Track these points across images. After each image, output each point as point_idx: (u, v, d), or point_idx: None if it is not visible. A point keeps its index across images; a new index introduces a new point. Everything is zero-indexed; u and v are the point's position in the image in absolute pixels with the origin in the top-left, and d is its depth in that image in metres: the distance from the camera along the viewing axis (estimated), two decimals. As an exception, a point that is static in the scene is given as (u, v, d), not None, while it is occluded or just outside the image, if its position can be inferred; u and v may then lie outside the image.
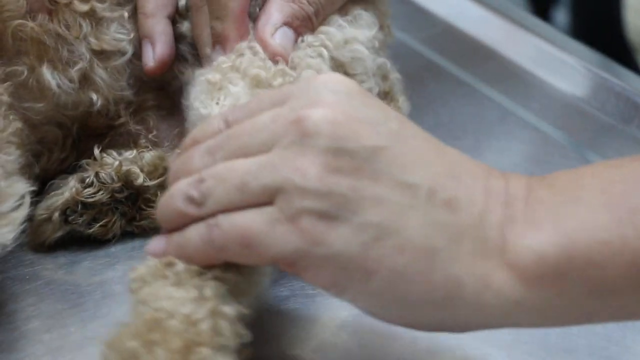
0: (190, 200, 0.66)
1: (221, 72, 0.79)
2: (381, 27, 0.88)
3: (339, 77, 0.68)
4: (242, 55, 0.80)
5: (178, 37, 0.87)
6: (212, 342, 0.63)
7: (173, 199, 0.67)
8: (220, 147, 0.67)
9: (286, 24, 0.81)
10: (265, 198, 0.64)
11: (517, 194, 0.65)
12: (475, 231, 0.63)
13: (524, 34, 1.13)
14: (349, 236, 0.62)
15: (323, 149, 0.63)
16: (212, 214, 0.65)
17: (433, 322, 0.65)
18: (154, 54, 0.85)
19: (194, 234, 0.66)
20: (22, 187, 0.75)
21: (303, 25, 0.82)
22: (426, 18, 1.20)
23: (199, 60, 0.86)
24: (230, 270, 0.67)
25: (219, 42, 0.82)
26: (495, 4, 1.18)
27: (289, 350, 0.74)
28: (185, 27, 0.87)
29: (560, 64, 1.09)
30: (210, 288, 0.65)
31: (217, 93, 0.78)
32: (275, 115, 0.66)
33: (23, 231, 0.75)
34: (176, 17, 0.87)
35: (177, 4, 0.87)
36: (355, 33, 0.83)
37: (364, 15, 0.85)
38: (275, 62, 0.80)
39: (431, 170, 0.64)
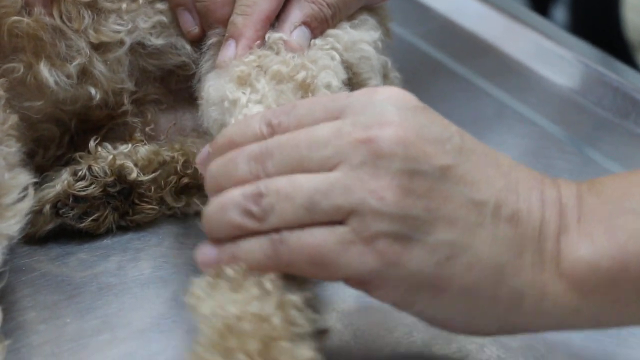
0: (249, 214, 0.65)
1: (249, 67, 0.79)
2: (382, 30, 0.89)
3: (399, 92, 0.68)
4: (265, 54, 0.80)
5: None
6: (288, 334, 0.63)
7: (227, 210, 0.66)
8: (271, 155, 0.66)
9: (305, 23, 0.81)
10: (336, 217, 0.64)
11: (569, 203, 0.66)
12: (535, 243, 0.65)
13: (522, 29, 1.13)
14: (423, 256, 0.63)
15: (397, 171, 0.63)
16: (275, 230, 0.65)
17: (494, 329, 0.67)
18: (196, 19, 0.85)
19: (255, 247, 0.65)
20: (25, 178, 0.75)
21: (320, 27, 0.82)
22: (424, 13, 1.21)
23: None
24: None
25: (234, 37, 0.81)
26: (493, -1, 1.19)
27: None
28: None
29: (557, 59, 1.09)
30: (269, 281, 0.65)
31: (243, 87, 0.78)
32: (337, 131, 0.65)
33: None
34: None
35: None
36: (361, 35, 0.84)
37: (369, 20, 0.86)
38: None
39: (494, 186, 0.65)
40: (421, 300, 0.64)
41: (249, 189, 0.66)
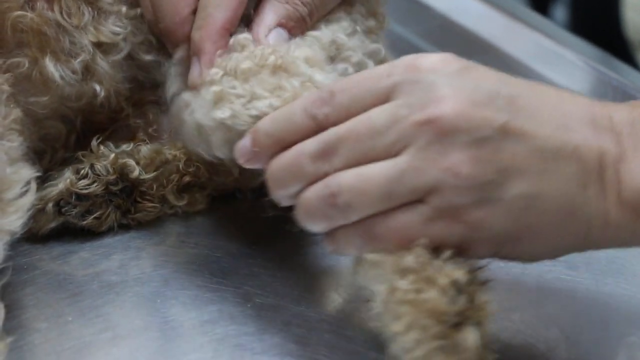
0: (331, 217, 0.69)
1: (218, 82, 0.78)
2: (374, 15, 0.89)
3: (439, 59, 0.69)
4: (226, 58, 0.79)
5: None
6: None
7: (313, 215, 0.70)
8: (335, 151, 0.69)
9: (280, 25, 0.81)
10: (414, 198, 0.67)
11: (624, 131, 0.69)
12: (596, 174, 0.68)
13: (522, 28, 1.13)
14: (503, 214, 0.67)
15: (464, 144, 0.66)
16: (359, 221, 0.68)
17: (564, 254, 0.71)
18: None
19: (348, 242, 0.69)
20: (28, 173, 0.75)
21: (297, 26, 0.82)
22: (424, 12, 1.21)
23: None
24: None
25: (195, 53, 0.80)
26: (493, -2, 1.19)
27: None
28: None
29: (558, 59, 1.09)
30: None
31: (229, 102, 0.77)
32: (394, 116, 0.67)
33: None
34: None
35: None
36: (336, 32, 0.84)
37: (342, 19, 0.85)
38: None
39: (549, 128, 0.68)
40: (506, 249, 0.69)
41: (320, 190, 0.69)
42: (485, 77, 0.69)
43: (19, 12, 0.79)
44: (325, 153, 0.69)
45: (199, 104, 0.79)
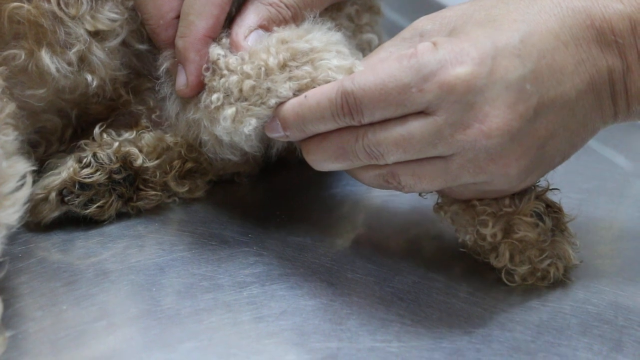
0: (391, 187, 0.77)
1: (228, 105, 0.79)
2: (369, 9, 0.89)
3: (467, 73, 0.71)
4: (220, 82, 0.79)
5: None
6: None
7: (374, 182, 0.77)
8: (381, 156, 0.74)
9: (262, 27, 0.81)
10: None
11: (625, 42, 0.74)
12: (608, 90, 0.75)
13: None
14: (545, 168, 0.77)
15: (508, 148, 0.72)
16: None
17: None
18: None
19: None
20: (23, 166, 0.74)
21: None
22: (422, 0, 1.21)
23: None
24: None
25: (180, 62, 0.81)
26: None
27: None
28: None
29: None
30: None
31: (250, 112, 0.78)
32: (438, 133, 0.72)
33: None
34: None
35: None
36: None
37: (327, 22, 0.84)
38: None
39: (568, 78, 0.73)
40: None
41: (380, 176, 0.76)
42: (508, 64, 0.71)
43: (16, 4, 0.79)
44: (372, 157, 0.74)
45: (221, 129, 0.79)
